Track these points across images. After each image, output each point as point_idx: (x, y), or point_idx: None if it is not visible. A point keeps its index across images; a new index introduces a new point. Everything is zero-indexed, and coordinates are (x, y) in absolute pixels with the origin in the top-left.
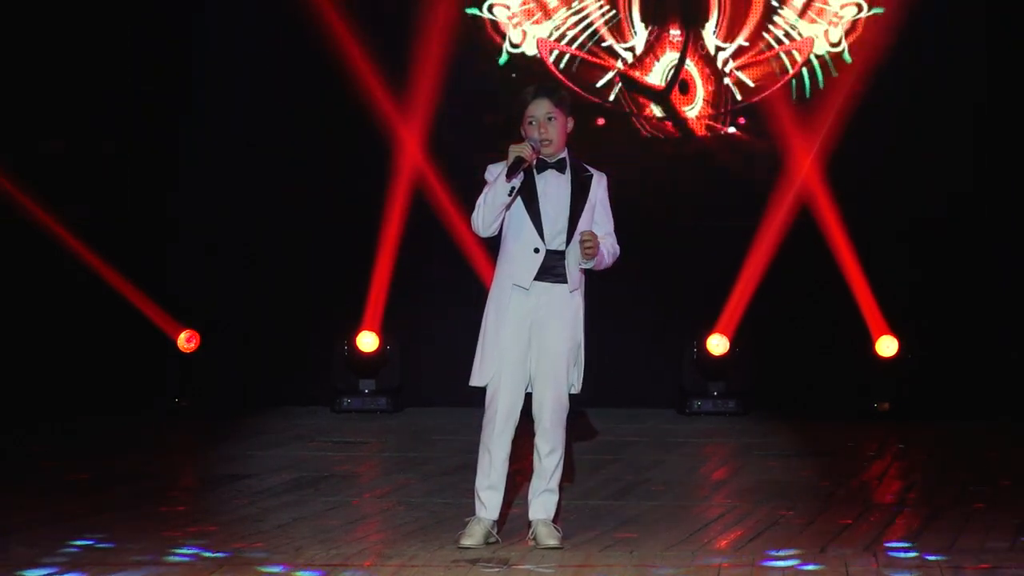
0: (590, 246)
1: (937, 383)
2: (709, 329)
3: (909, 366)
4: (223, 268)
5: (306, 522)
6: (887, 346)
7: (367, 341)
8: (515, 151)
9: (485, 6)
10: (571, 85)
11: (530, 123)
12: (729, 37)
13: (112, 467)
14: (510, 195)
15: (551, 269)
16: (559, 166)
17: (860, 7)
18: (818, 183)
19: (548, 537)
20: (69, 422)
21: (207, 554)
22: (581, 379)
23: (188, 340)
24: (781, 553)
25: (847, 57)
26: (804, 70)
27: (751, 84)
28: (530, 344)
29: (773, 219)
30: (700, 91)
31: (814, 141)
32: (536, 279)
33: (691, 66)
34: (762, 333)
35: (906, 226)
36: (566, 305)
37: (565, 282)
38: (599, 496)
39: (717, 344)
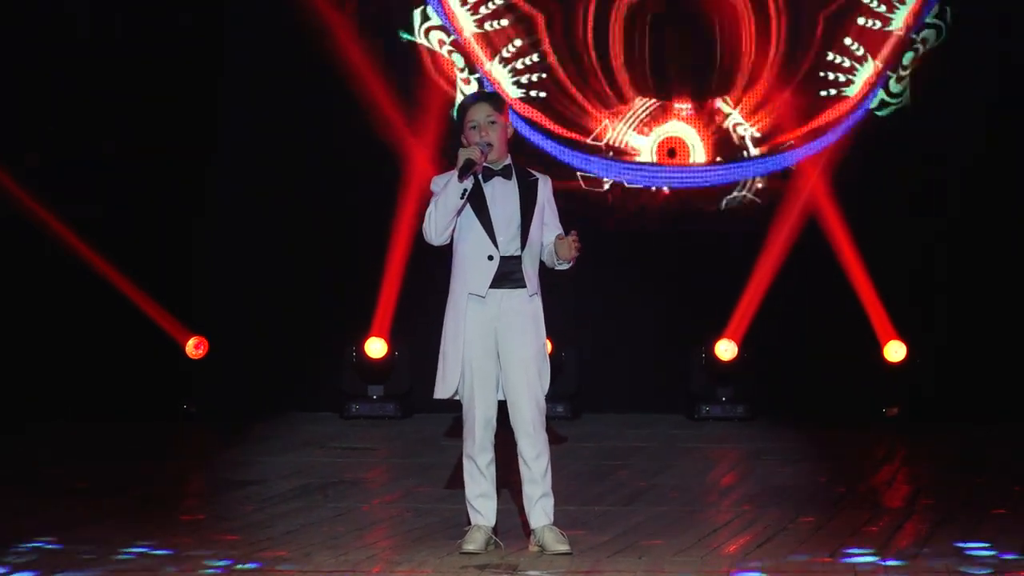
0: (578, 244)
1: (946, 388)
2: (718, 334)
3: (918, 371)
4: (232, 274)
5: (315, 528)
6: (895, 351)
7: (376, 347)
8: (464, 153)
9: (420, 30)
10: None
11: (472, 128)
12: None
13: (120, 473)
14: (462, 197)
15: (508, 275)
16: (505, 172)
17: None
18: (825, 189)
19: (556, 543)
20: (76, 427)
21: (216, 560)
22: (548, 378)
23: (196, 347)
24: (790, 558)
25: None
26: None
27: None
28: (496, 353)
29: (782, 225)
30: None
31: (823, 149)
32: (494, 287)
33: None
34: (770, 338)
35: (913, 231)
36: (527, 310)
37: (524, 287)
38: (607, 501)
39: (726, 349)
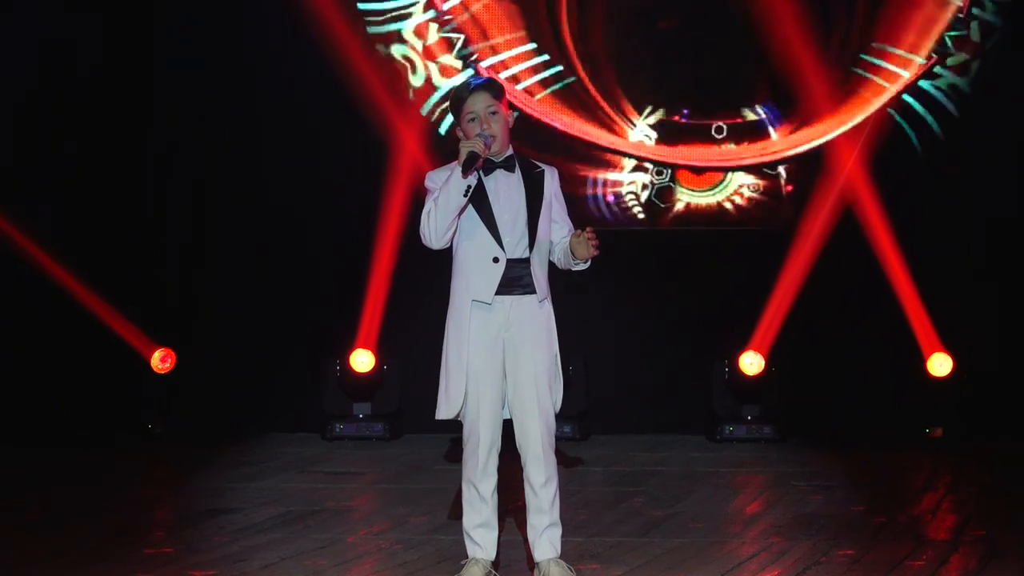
0: (596, 242)
1: (995, 406)
2: (742, 346)
3: (964, 387)
4: (202, 279)
5: (295, 562)
6: (940, 365)
7: (362, 360)
8: (467, 146)
9: (395, 48)
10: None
11: (471, 120)
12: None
13: (78, 502)
14: (466, 195)
15: (517, 280)
16: (507, 165)
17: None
18: (863, 182)
19: None
20: (30, 451)
21: None
22: (561, 395)
23: (163, 359)
24: None
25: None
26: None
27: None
28: (503, 366)
29: (814, 222)
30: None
31: (858, 136)
32: (501, 293)
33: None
34: (801, 351)
35: (962, 230)
36: (539, 318)
37: (534, 292)
38: (621, 532)
39: (751, 363)
